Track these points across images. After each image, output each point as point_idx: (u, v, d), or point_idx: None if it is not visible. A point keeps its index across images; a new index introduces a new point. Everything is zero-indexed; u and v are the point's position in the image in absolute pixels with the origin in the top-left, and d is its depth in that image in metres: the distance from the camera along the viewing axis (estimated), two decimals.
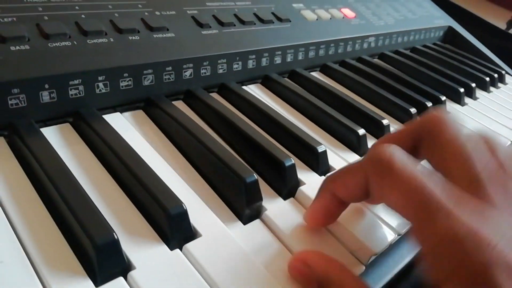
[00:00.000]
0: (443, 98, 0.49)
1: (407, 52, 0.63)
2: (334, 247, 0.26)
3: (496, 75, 0.63)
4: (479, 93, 0.59)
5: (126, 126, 0.31)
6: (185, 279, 0.21)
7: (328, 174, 0.26)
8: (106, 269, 0.20)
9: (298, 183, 0.31)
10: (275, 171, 0.30)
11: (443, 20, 0.76)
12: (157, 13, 0.38)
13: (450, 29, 0.75)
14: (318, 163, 0.32)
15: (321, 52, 0.50)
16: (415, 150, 0.25)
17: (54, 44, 0.30)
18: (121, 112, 0.33)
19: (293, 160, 0.30)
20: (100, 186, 0.26)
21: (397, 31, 0.62)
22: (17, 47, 0.29)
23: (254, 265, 0.23)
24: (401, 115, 0.44)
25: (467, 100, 0.55)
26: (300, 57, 0.47)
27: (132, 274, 0.21)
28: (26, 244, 0.21)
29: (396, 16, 0.65)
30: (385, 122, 0.40)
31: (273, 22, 0.46)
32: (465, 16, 0.87)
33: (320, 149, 0.33)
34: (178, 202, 0.24)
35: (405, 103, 0.45)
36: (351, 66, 0.52)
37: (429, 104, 0.46)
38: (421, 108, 0.46)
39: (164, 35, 0.36)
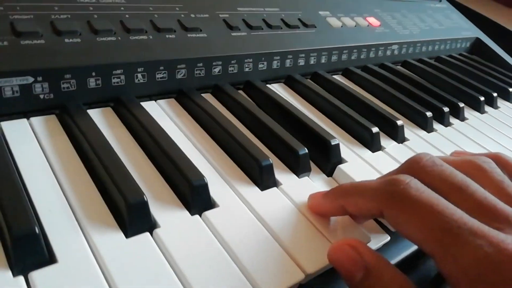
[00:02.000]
0: (461, 104, 0.51)
1: (431, 61, 0.65)
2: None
3: None
4: (501, 102, 0.60)
5: (160, 112, 0.36)
6: (201, 241, 0.25)
7: (343, 184, 0.27)
8: (135, 224, 0.24)
9: (310, 169, 0.34)
10: (292, 156, 0.33)
11: (470, 31, 0.77)
12: (192, 15, 0.43)
13: (477, 41, 0.76)
14: (329, 155, 0.35)
15: (344, 56, 0.52)
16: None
17: (101, 39, 0.35)
18: (156, 100, 0.37)
19: (305, 149, 0.33)
20: (135, 160, 0.30)
21: (421, 41, 0.64)
22: (71, 40, 0.33)
23: (265, 234, 0.26)
24: (417, 118, 0.46)
25: (487, 108, 0.56)
26: (323, 61, 0.50)
27: (157, 231, 0.24)
28: (71, 201, 0.25)
29: (421, 26, 0.67)
30: (399, 122, 0.42)
31: (299, 27, 0.50)
32: (495, 28, 0.87)
33: (334, 142, 0.35)
34: (200, 176, 0.27)
35: (421, 107, 0.47)
36: (372, 71, 0.55)
37: (446, 109, 0.48)
38: (438, 113, 0.48)
39: (197, 35, 0.40)
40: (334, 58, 0.51)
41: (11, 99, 0.30)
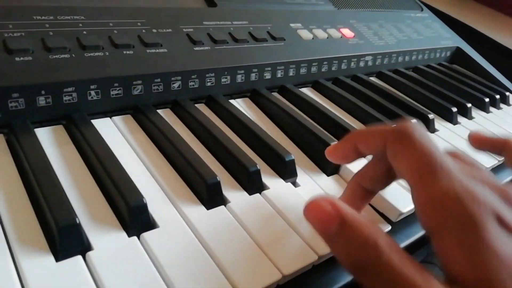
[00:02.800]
0: (431, 116, 0.51)
1: (407, 71, 0.65)
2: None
3: (498, 96, 0.64)
4: (476, 113, 0.59)
5: (113, 129, 0.35)
6: (136, 264, 0.24)
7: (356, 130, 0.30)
8: (66, 247, 0.24)
9: (263, 187, 0.33)
10: (243, 173, 0.33)
11: (451, 41, 0.76)
12: (154, 30, 0.43)
13: (458, 50, 0.76)
14: (285, 170, 0.35)
15: (313, 69, 0.52)
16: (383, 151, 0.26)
17: (54, 56, 0.35)
18: (111, 117, 0.37)
19: (258, 166, 0.33)
20: (79, 180, 0.29)
21: (397, 51, 0.64)
22: (21, 58, 0.33)
23: (207, 260, 0.26)
24: None
25: (460, 119, 0.56)
26: (290, 73, 0.50)
27: (89, 254, 0.24)
28: (4, 221, 0.25)
29: (398, 37, 0.67)
30: None
31: (267, 40, 0.50)
32: (478, 37, 0.87)
33: (288, 158, 0.35)
34: (139, 196, 0.27)
35: (387, 119, 0.47)
36: (343, 83, 0.55)
37: (413, 121, 0.48)
38: None
39: (157, 50, 0.40)
40: (303, 70, 0.51)
41: None
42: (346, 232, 0.21)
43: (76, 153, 0.32)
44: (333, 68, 0.55)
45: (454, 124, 0.54)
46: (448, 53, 0.76)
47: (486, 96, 0.62)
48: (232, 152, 0.34)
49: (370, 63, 0.60)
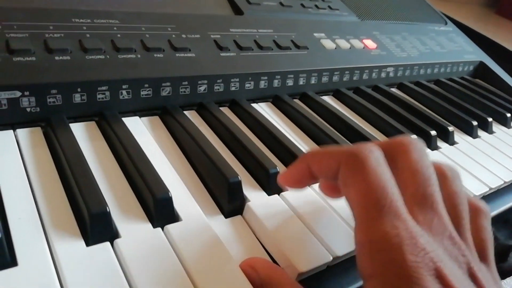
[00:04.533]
0: (451, 128, 0.51)
1: (428, 83, 0.65)
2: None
3: None
4: (497, 127, 0.59)
5: (140, 127, 0.37)
6: (159, 253, 0.26)
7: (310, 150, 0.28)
8: (96, 233, 0.25)
9: (282, 188, 0.35)
10: (263, 175, 0.34)
11: (474, 55, 0.76)
12: (183, 35, 0.45)
13: (481, 64, 0.76)
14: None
15: (335, 78, 0.54)
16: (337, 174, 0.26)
17: (90, 57, 0.37)
18: (140, 116, 0.39)
19: (278, 168, 0.34)
20: (109, 173, 0.31)
21: (419, 63, 0.64)
22: (60, 57, 0.35)
23: (224, 254, 0.27)
24: None
25: (481, 133, 0.56)
26: (312, 81, 0.51)
27: (117, 241, 0.26)
28: (41, 208, 0.27)
29: (421, 49, 0.67)
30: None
31: (290, 49, 0.51)
32: (502, 52, 0.87)
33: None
34: (165, 190, 0.29)
35: (407, 130, 0.47)
36: (364, 93, 0.56)
37: (433, 132, 0.49)
38: (424, 136, 0.48)
39: (186, 55, 0.42)
40: (324, 79, 0.52)
41: None
42: None
43: (107, 148, 0.34)
44: (355, 78, 0.56)
45: (474, 138, 0.54)
46: (471, 68, 0.76)
47: (508, 111, 0.62)
48: (253, 153, 0.35)
49: (391, 74, 0.61)
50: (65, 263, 0.24)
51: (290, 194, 0.34)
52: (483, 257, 0.25)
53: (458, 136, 0.53)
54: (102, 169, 0.31)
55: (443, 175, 0.26)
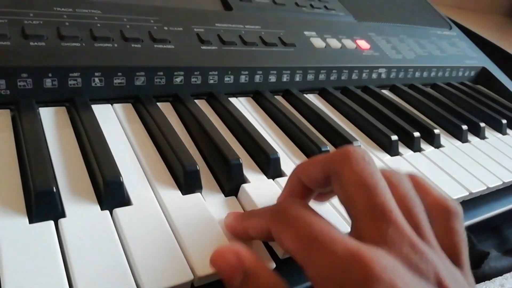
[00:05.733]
0: (437, 130, 0.50)
1: (423, 87, 0.64)
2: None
3: None
4: (491, 133, 0.58)
5: (110, 115, 0.38)
6: (102, 235, 0.26)
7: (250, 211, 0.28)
8: (40, 211, 0.26)
9: (243, 180, 0.34)
10: (225, 167, 0.34)
11: (477, 60, 0.75)
12: (165, 28, 0.45)
13: (483, 70, 0.74)
14: (269, 167, 0.36)
15: (321, 76, 0.53)
16: (327, 179, 0.26)
17: (65, 44, 0.38)
18: (112, 104, 0.39)
19: (240, 160, 0.34)
20: (68, 156, 0.32)
21: (414, 66, 0.63)
22: (35, 43, 0.36)
23: (169, 235, 0.27)
24: (382, 141, 0.46)
25: (472, 138, 0.54)
26: (297, 79, 0.51)
27: (61, 221, 0.26)
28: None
29: (419, 52, 0.66)
30: (356, 144, 0.42)
31: (277, 45, 0.51)
32: (508, 59, 0.85)
33: (273, 156, 0.36)
34: (117, 173, 0.29)
35: (389, 130, 0.47)
36: (351, 93, 0.55)
37: (416, 134, 0.48)
38: (406, 136, 0.47)
39: (164, 46, 0.43)
40: (310, 77, 0.52)
41: None
42: (249, 284, 0.22)
43: (71, 132, 0.34)
44: (343, 77, 0.55)
45: (463, 142, 0.53)
46: (473, 73, 0.74)
47: (505, 117, 0.60)
48: (217, 145, 0.35)
49: (383, 76, 0.60)
50: (7, 240, 0.24)
51: (251, 190, 0.33)
52: (456, 261, 0.23)
53: (446, 139, 0.52)
54: (62, 153, 0.32)
55: (389, 181, 0.24)
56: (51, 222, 0.26)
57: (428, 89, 0.64)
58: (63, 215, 0.27)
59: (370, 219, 0.22)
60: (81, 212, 0.27)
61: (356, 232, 0.23)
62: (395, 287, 0.18)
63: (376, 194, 0.23)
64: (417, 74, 0.65)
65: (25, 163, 0.29)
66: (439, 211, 0.25)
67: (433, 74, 0.67)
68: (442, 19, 0.83)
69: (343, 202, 0.25)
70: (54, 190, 0.26)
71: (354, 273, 0.19)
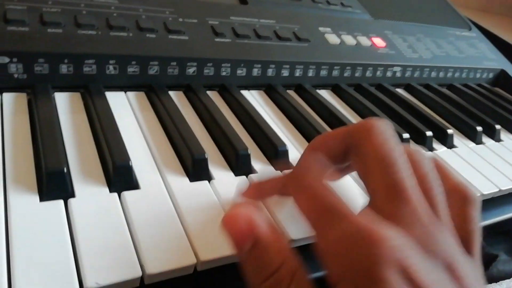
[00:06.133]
0: (450, 131, 0.49)
1: (439, 87, 0.63)
2: None
3: None
4: (507, 136, 0.57)
5: (123, 101, 0.38)
6: (110, 217, 0.27)
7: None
8: (51, 190, 0.27)
9: (251, 170, 0.35)
10: (233, 156, 0.34)
11: (496, 62, 0.73)
12: (180, 19, 0.46)
13: (502, 73, 0.73)
14: (277, 159, 0.36)
15: (335, 72, 0.53)
16: (346, 154, 0.26)
17: (82, 32, 0.38)
18: (126, 92, 0.40)
19: (249, 151, 0.34)
20: (81, 140, 0.32)
21: (430, 65, 0.62)
22: (53, 30, 0.37)
23: (174, 220, 0.27)
24: None
25: (486, 140, 0.54)
26: (310, 74, 0.51)
27: (71, 200, 0.27)
28: (7, 164, 0.28)
29: (436, 52, 0.66)
30: None
31: (291, 40, 0.51)
32: None
33: (281, 148, 0.36)
34: (126, 157, 0.29)
35: (400, 128, 0.46)
36: (365, 90, 0.55)
37: (429, 133, 0.47)
38: (418, 135, 0.47)
39: (178, 37, 0.43)
40: (323, 73, 0.52)
41: None
42: (257, 254, 0.21)
43: (85, 118, 0.35)
44: (357, 74, 0.55)
45: (477, 144, 0.52)
46: (491, 75, 0.73)
47: None
48: (227, 135, 0.36)
49: (398, 74, 0.59)
50: (18, 217, 0.25)
51: (255, 177, 0.34)
52: (468, 249, 0.23)
53: (460, 140, 0.51)
54: (75, 136, 0.33)
55: (410, 158, 0.24)
56: (61, 201, 0.27)
57: (444, 90, 0.63)
58: (72, 195, 0.27)
59: (385, 196, 0.22)
60: (90, 193, 0.28)
61: (372, 208, 0.22)
62: (402, 267, 0.18)
63: (394, 170, 0.22)
64: (433, 74, 0.64)
65: (38, 144, 0.30)
66: (457, 196, 0.25)
67: (449, 74, 0.66)
68: (462, 20, 0.81)
69: (361, 176, 0.24)
70: (65, 170, 0.27)
71: (362, 250, 0.18)
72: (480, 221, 0.25)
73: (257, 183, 0.29)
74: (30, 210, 0.25)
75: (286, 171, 0.26)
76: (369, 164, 0.23)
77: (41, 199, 0.26)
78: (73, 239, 0.25)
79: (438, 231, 0.21)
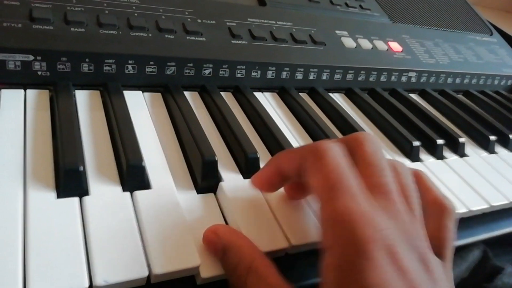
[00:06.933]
0: (462, 139, 0.49)
1: (454, 94, 0.63)
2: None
3: None
4: None
5: (140, 101, 0.40)
6: (121, 215, 0.28)
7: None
8: (67, 188, 0.28)
9: None
10: (243, 159, 0.35)
11: None
12: (199, 20, 0.47)
13: None
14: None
15: (349, 76, 0.53)
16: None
17: (103, 31, 0.40)
18: (144, 92, 0.42)
19: (258, 154, 0.35)
20: (97, 138, 0.34)
21: (446, 71, 0.62)
22: (76, 29, 0.39)
23: (185, 231, 0.28)
24: (404, 146, 0.46)
25: (500, 149, 0.53)
26: (324, 77, 0.51)
27: (85, 198, 0.28)
28: (28, 160, 0.30)
29: (453, 58, 0.65)
30: None
31: (306, 43, 0.52)
32: None
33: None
34: (140, 158, 0.31)
35: (411, 136, 0.47)
36: (378, 95, 0.55)
37: (440, 141, 0.47)
38: (429, 143, 0.47)
39: (196, 38, 0.44)
40: (337, 76, 0.52)
41: (12, 72, 0.36)
42: (228, 257, 0.26)
43: (103, 115, 0.37)
44: (371, 79, 0.55)
45: (490, 153, 0.52)
46: (510, 82, 0.72)
47: None
48: (237, 136, 0.37)
49: (413, 80, 0.59)
50: (35, 212, 0.26)
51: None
52: (439, 253, 0.26)
53: (472, 149, 0.51)
54: (92, 134, 0.34)
55: (395, 170, 0.27)
56: (76, 199, 0.28)
57: (459, 96, 0.63)
58: (87, 193, 0.29)
59: (375, 193, 0.25)
60: (104, 192, 0.29)
61: None
62: (389, 251, 0.21)
63: (383, 174, 0.26)
64: (449, 80, 0.64)
65: (58, 141, 0.31)
66: (435, 207, 0.28)
67: (466, 81, 0.66)
68: (483, 24, 0.80)
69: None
70: (81, 169, 0.29)
71: (357, 230, 0.21)
72: (454, 230, 0.28)
73: (276, 160, 0.29)
74: (47, 206, 0.27)
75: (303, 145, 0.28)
76: (361, 167, 0.26)
77: (58, 196, 0.28)
78: (86, 235, 0.26)
79: (414, 227, 0.24)
